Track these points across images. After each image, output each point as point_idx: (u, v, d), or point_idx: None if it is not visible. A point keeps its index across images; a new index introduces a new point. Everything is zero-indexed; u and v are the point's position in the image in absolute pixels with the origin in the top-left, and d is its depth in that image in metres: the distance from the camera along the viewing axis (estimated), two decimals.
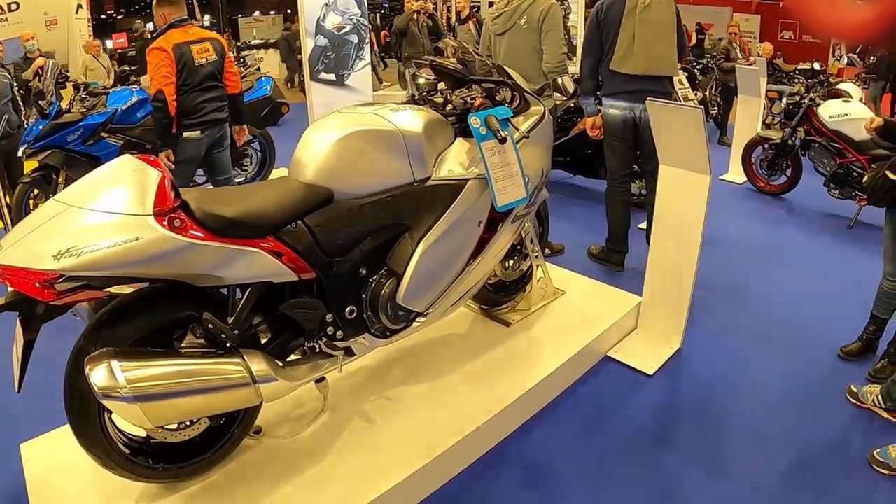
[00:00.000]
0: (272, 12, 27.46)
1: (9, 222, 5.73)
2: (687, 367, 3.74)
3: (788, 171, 6.87)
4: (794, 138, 6.66)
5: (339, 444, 2.84)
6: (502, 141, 2.87)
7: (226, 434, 2.65)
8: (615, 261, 5.01)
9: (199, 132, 4.83)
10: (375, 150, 2.72)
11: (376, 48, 14.53)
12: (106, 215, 2.11)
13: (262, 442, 2.83)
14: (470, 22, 10.82)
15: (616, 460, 3.04)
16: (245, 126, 5.26)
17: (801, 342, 3.98)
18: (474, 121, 2.89)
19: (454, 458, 2.89)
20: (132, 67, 10.66)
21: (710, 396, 3.50)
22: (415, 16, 10.53)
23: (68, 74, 10.06)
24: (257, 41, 21.08)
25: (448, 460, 2.86)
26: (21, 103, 6.51)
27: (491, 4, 15.99)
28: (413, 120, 2.85)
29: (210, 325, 2.35)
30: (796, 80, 8.82)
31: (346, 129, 2.70)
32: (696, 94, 8.07)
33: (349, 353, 2.81)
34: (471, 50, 3.35)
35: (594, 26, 4.50)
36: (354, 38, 8.45)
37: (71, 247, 2.01)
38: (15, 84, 6.49)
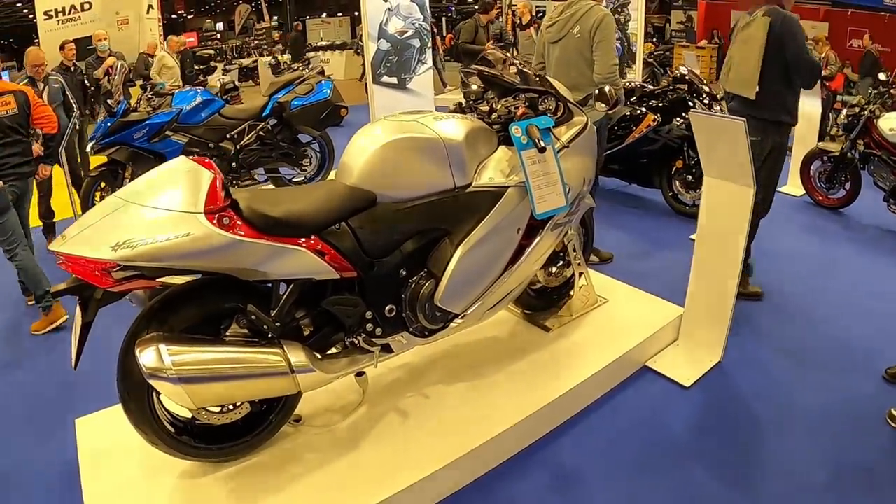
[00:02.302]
0: (339, 14, 27.82)
1: (78, 213, 6.00)
2: (725, 381, 3.70)
3: (847, 185, 6.67)
4: (853, 151, 6.48)
5: (373, 436, 2.96)
6: (542, 150, 2.96)
7: (266, 420, 2.81)
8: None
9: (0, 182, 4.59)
10: (417, 157, 2.84)
11: (441, 52, 14.60)
12: (160, 212, 2.29)
13: (301, 430, 2.99)
14: (531, 28, 10.86)
15: (645, 471, 3.04)
16: (50, 166, 5.16)
17: (846, 362, 3.88)
18: (515, 130, 2.97)
19: (485, 455, 2.97)
20: (201, 67, 10.99)
21: (746, 412, 3.47)
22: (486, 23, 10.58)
23: (144, 73, 10.34)
24: (324, 43, 21.37)
25: (478, 457, 2.94)
26: (75, 106, 6.74)
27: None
28: (455, 128, 2.96)
29: (253, 317, 2.50)
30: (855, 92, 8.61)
31: (390, 136, 2.83)
32: None
33: (387, 349, 2.93)
34: (516, 60, 3.43)
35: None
36: (416, 43, 8.57)
37: (128, 239, 2.20)
38: (67, 89, 6.71)
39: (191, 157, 2.59)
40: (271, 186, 6.82)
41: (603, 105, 3.60)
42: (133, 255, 2.19)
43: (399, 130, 2.87)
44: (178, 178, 2.42)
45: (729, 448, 3.19)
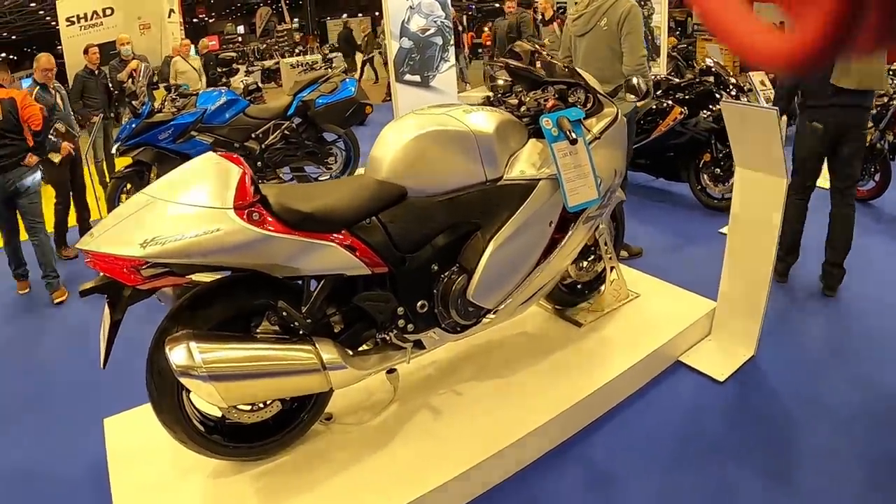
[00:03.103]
0: (360, 15, 27.89)
1: (104, 215, 6.03)
2: (759, 375, 3.64)
3: (877, 177, 6.54)
4: (882, 142, 6.37)
5: (405, 434, 2.93)
6: (573, 142, 2.91)
7: (297, 418, 2.79)
8: (778, 270, 4.78)
9: None
10: (448, 151, 2.80)
11: (466, 50, 14.55)
12: (189, 208, 2.27)
13: (332, 428, 2.96)
14: (554, 23, 10.78)
15: (681, 466, 3.00)
16: (37, 157, 5.46)
17: (880, 355, 3.80)
18: (546, 122, 2.93)
19: (517, 453, 2.93)
20: (224, 69, 11.03)
21: (781, 406, 3.41)
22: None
23: (161, 76, 10.42)
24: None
25: (511, 455, 2.90)
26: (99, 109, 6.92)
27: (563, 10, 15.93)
28: (486, 121, 2.92)
29: (284, 313, 2.47)
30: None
31: (419, 130, 2.79)
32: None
33: (419, 346, 2.89)
34: (545, 52, 3.39)
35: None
36: (439, 40, 8.55)
37: (156, 236, 2.18)
38: (66, 99, 6.83)
39: (218, 152, 2.56)
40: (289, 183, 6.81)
41: (633, 96, 3.56)
42: (162, 252, 2.18)
43: (429, 123, 2.83)
44: (207, 173, 2.40)
45: (765, 443, 3.14)
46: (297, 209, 2.42)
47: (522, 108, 3.18)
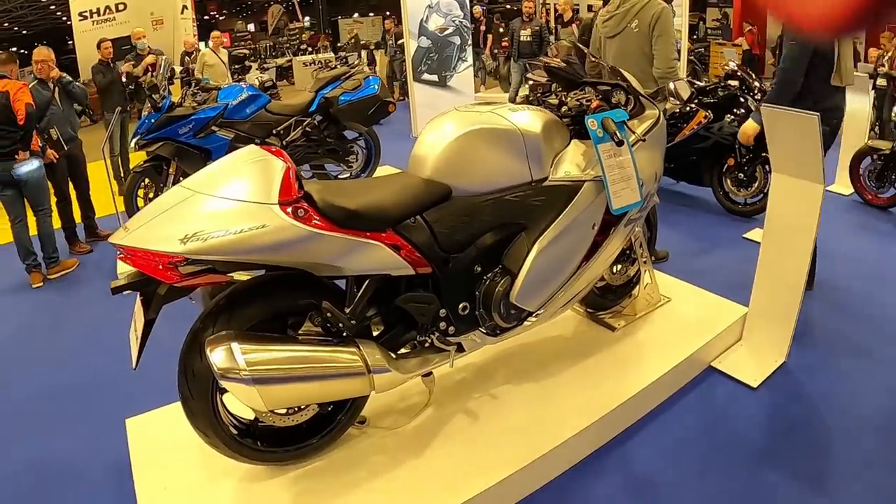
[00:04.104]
0: (371, 14, 27.87)
1: (121, 210, 6.02)
2: (792, 381, 3.59)
3: None
4: None
5: (440, 439, 2.86)
6: (619, 144, 2.85)
7: (332, 422, 2.71)
8: None
9: None
10: (495, 149, 2.74)
11: (488, 50, 14.45)
12: (232, 202, 2.18)
13: (367, 432, 2.89)
14: (573, 24, 10.73)
15: (715, 473, 2.95)
16: (24, 151, 5.57)
17: None
18: (591, 123, 2.87)
19: (553, 461, 2.87)
20: (236, 66, 10.99)
21: (815, 413, 3.36)
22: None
23: (186, 67, 10.36)
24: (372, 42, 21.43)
25: (547, 463, 2.84)
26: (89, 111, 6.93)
27: (590, 8, 15.87)
28: (532, 120, 2.86)
29: (328, 314, 2.40)
30: None
31: (465, 127, 2.72)
32: None
33: (459, 349, 2.83)
34: (585, 51, 3.33)
35: (807, 45, 4.20)
36: (457, 40, 8.55)
37: (197, 231, 2.09)
38: (57, 99, 6.76)
39: (260, 145, 2.50)
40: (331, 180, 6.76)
41: (674, 100, 3.51)
42: (204, 248, 2.09)
43: (475, 121, 2.76)
44: (249, 167, 2.32)
45: (800, 450, 3.09)
46: (342, 206, 2.35)
47: (563, 109, 3.12)
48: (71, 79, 6.81)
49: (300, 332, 2.45)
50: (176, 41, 15.46)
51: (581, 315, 3.82)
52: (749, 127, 4.58)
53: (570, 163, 2.94)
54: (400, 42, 14.18)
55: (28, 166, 5.50)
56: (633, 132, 3.12)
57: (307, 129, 6.38)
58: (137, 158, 6.56)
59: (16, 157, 5.46)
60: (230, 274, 2.31)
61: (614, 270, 3.72)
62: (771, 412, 3.38)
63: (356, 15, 29.12)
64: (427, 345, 2.74)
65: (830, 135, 4.29)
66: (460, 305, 2.73)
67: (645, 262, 3.71)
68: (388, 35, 15.39)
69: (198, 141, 5.98)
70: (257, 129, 6.19)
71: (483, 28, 13.53)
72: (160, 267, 2.10)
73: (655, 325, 3.75)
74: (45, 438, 3.46)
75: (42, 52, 6.35)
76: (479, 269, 2.75)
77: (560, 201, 2.87)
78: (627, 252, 3.69)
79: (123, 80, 8.15)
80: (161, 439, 2.91)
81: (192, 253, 2.09)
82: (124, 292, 2.28)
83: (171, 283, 2.18)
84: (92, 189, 6.78)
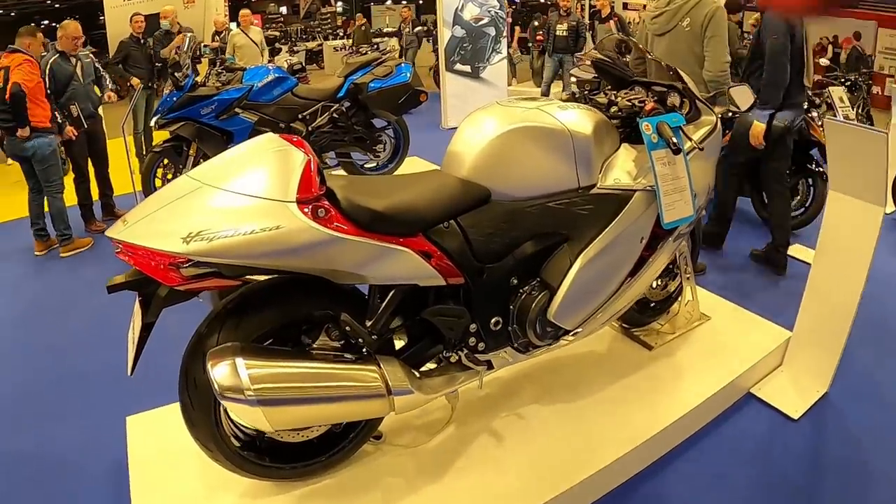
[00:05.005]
0: (404, 2, 27.69)
1: (138, 189, 5.90)
2: (835, 413, 3.37)
3: None
4: None
5: (463, 461, 2.65)
6: (676, 151, 2.60)
7: (345, 438, 2.50)
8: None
9: None
10: (540, 150, 2.48)
11: (531, 42, 14.19)
12: (244, 198, 1.94)
13: (382, 449, 2.68)
14: (611, 21, 10.47)
15: None
16: (24, 129, 5.54)
17: None
18: (646, 126, 2.62)
19: (582, 492, 2.65)
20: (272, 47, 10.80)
21: (859, 448, 3.14)
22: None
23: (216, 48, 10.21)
24: (389, 29, 21.26)
25: (574, 495, 2.61)
26: (111, 82, 7.00)
27: (625, 6, 15.57)
28: (582, 120, 2.60)
29: (347, 328, 2.18)
30: None
31: (509, 125, 2.47)
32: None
33: (489, 366, 2.60)
34: (640, 47, 3.08)
35: (789, 39, 4.25)
36: (492, 31, 8.34)
37: (203, 229, 1.86)
38: (98, 65, 6.78)
39: (280, 134, 2.25)
40: (342, 172, 6.55)
41: (735, 108, 3.27)
42: (209, 249, 1.85)
43: (520, 118, 2.51)
44: (266, 158, 2.07)
45: (842, 488, 2.90)
46: (369, 207, 2.11)
47: (613, 109, 2.87)
48: (102, 70, 6.85)
49: (315, 345, 2.23)
50: (207, 20, 15.32)
51: (616, 331, 3.58)
52: (755, 128, 4.47)
53: (621, 169, 2.69)
54: (416, 30, 13.92)
55: (36, 142, 5.50)
56: (690, 139, 2.84)
57: (334, 115, 6.14)
58: (161, 137, 6.39)
59: (15, 135, 5.41)
60: (238, 279, 2.07)
61: (654, 285, 3.47)
62: (812, 446, 3.18)
63: (389, 2, 28.93)
64: (453, 361, 2.51)
65: (789, 132, 4.55)
66: (492, 320, 2.49)
67: (688, 278, 3.46)
68: (403, 23, 15.20)
69: (220, 122, 5.77)
70: (282, 113, 5.97)
71: (510, 20, 13.25)
72: (160, 267, 1.87)
73: (694, 346, 3.52)
74: (44, 430, 3.34)
75: (78, 29, 6.20)
76: (516, 281, 2.51)
77: (608, 211, 2.62)
78: (669, 266, 3.44)
79: (153, 56, 8.02)
80: (161, 440, 2.74)
81: (195, 254, 1.85)
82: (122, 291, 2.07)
83: (171, 285, 1.94)
84: (111, 167, 6.66)
